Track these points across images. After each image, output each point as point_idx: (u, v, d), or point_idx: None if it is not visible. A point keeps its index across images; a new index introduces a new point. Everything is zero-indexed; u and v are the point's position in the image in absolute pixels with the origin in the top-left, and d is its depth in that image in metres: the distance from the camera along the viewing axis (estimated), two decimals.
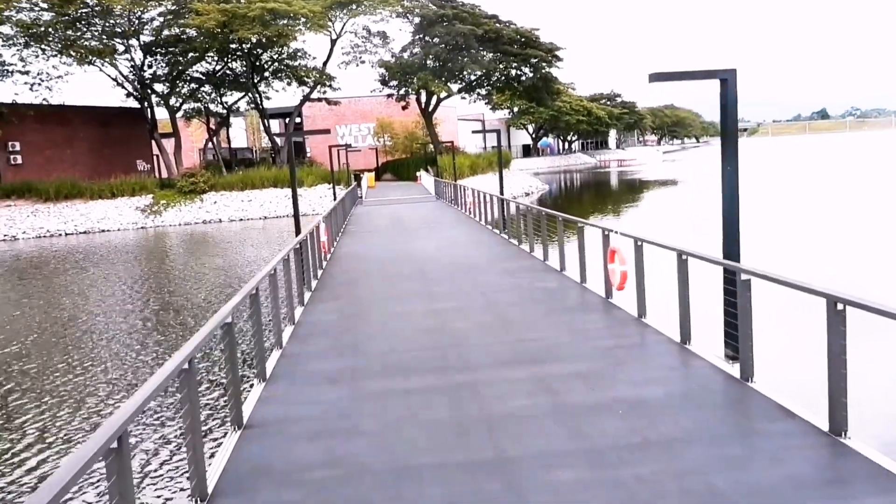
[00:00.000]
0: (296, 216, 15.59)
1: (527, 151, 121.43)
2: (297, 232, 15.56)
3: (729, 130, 7.49)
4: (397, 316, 10.48)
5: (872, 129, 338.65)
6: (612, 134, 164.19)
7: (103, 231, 44.00)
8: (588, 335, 8.90)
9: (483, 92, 64.17)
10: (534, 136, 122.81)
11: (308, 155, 69.60)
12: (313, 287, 13.08)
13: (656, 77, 7.29)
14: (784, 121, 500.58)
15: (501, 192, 22.83)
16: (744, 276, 6.77)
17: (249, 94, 57.83)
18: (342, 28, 55.24)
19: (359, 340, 9.18)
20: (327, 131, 18.27)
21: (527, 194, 54.50)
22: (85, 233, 43.61)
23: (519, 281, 12.74)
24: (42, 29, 46.95)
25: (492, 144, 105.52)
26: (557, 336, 8.87)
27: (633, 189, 60.16)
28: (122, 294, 20.86)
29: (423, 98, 61.18)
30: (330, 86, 57.79)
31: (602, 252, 10.63)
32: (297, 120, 70.37)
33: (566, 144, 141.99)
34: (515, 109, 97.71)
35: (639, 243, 9.28)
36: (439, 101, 61.88)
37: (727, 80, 7.38)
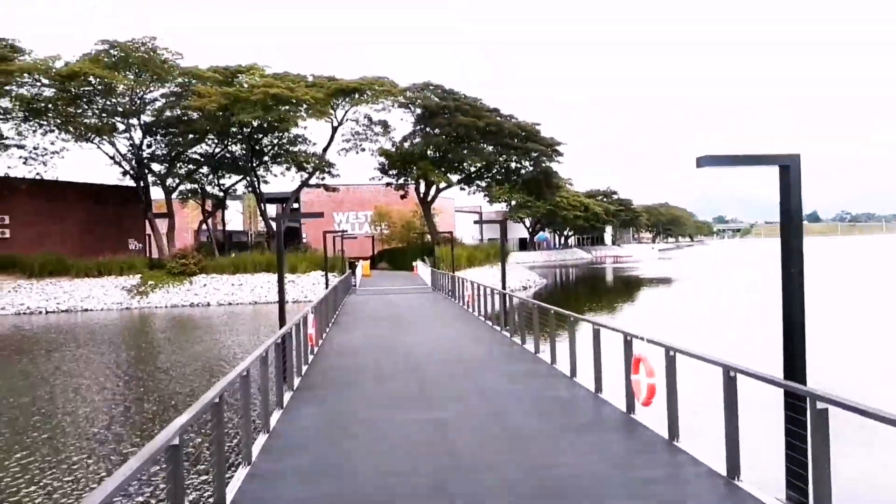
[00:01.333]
0: (281, 306, 14.26)
1: (523, 245, 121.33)
2: (282, 322, 14.21)
3: (793, 224, 6.36)
4: (390, 426, 9.08)
5: (864, 234, 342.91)
6: (608, 230, 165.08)
7: (86, 310, 42.46)
8: (614, 462, 7.51)
9: (483, 184, 64.01)
10: (530, 229, 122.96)
11: (304, 240, 68.82)
12: (296, 385, 11.68)
13: (707, 161, 6.21)
14: (776, 222, 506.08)
15: (504, 286, 21.64)
16: (820, 405, 5.48)
17: (247, 178, 57.44)
18: (343, 116, 55.41)
19: (344, 458, 7.76)
20: (321, 214, 17.21)
21: (524, 288, 53.37)
22: (67, 311, 42.06)
23: (525, 387, 11.38)
24: (42, 105, 46.73)
25: (489, 237, 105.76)
26: (579, 462, 7.48)
27: (631, 286, 59.14)
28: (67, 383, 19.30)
29: (422, 188, 60.94)
30: (329, 172, 57.54)
31: (623, 360, 9.36)
32: (295, 205, 70.01)
33: (562, 239, 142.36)
34: (513, 202, 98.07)
35: (671, 353, 8.02)
36: (438, 191, 61.64)
37: (789, 167, 6.31)
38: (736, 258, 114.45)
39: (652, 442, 8.15)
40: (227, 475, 6.69)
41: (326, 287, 32.81)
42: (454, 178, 61.77)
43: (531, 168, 62.45)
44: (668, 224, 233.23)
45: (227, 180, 58.78)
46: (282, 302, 13.94)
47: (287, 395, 10.89)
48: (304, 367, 13.40)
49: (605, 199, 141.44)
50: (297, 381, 11.97)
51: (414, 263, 55.63)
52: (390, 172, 60.49)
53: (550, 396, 10.72)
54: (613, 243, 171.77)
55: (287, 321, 13.91)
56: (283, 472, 7.38)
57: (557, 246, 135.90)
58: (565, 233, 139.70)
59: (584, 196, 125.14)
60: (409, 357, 14.70)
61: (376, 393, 11.19)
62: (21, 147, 48.17)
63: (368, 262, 57.10)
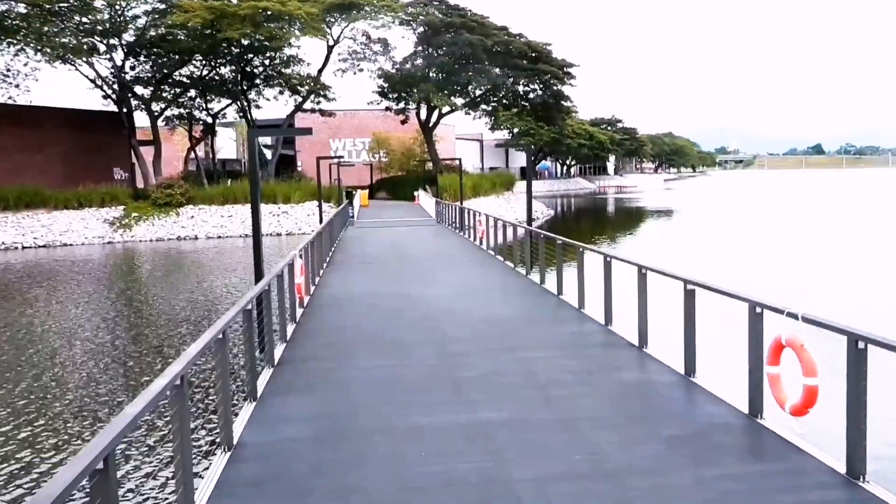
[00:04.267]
0: (257, 257, 11.11)
1: (524, 174, 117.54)
2: (258, 275, 11.17)
3: None
4: (409, 436, 6.20)
5: (869, 167, 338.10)
6: (611, 160, 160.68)
7: (65, 245, 39.47)
8: None
9: (488, 108, 60.02)
10: (533, 158, 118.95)
11: (299, 168, 65.35)
12: (276, 360, 8.77)
13: None
14: (780, 154, 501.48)
15: (529, 222, 18.65)
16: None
17: (238, 102, 53.64)
18: (340, 33, 51.35)
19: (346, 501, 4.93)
20: (309, 131, 14.00)
21: (533, 220, 50.31)
22: (45, 246, 39.05)
23: (587, 364, 8.47)
24: (14, 22, 42.66)
25: (490, 165, 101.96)
26: None
27: (641, 217, 56.09)
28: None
29: (424, 113, 57.14)
30: (325, 96, 53.77)
31: (750, 337, 6.46)
32: None
33: (565, 168, 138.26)
34: (515, 130, 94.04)
35: (860, 345, 5.08)
36: (441, 116, 57.84)
37: None
38: (746, 190, 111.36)
39: (826, 484, 5.39)
40: None
41: (320, 221, 29.79)
42: (459, 101, 57.83)
43: (541, 92, 58.44)
44: (671, 154, 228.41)
45: (217, 104, 55.05)
46: (257, 253, 10.77)
47: (264, 377, 8.01)
48: (291, 329, 10.49)
49: (609, 128, 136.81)
50: (278, 354, 9.06)
51: (415, 193, 52.52)
52: (390, 96, 56.56)
53: (627, 382, 7.85)
54: (616, 173, 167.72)
55: (270, 268, 10.94)
56: None
57: (560, 175, 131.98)
58: (568, 162, 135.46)
59: (589, 124, 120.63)
60: (426, 316, 11.66)
61: (386, 375, 8.23)
62: None
63: (367, 191, 53.88)
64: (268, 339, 8.54)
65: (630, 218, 57.61)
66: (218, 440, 6.13)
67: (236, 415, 6.80)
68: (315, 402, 7.24)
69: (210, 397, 10.02)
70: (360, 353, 9.26)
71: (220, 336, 5.82)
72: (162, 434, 9.01)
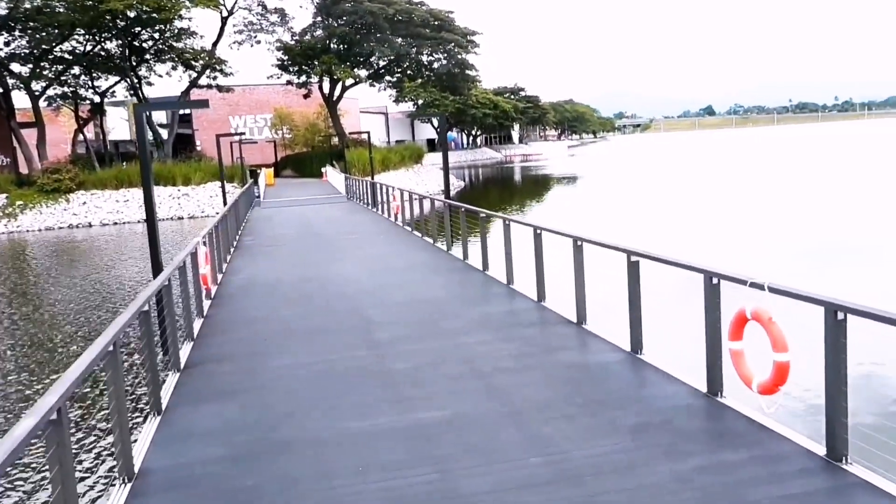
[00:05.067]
0: (153, 247, 9.98)
1: (431, 146, 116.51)
2: (156, 267, 10.06)
3: None
4: (342, 448, 5.43)
5: (756, 126, 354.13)
6: (516, 128, 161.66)
7: None
8: None
9: (393, 79, 58.72)
10: (438, 129, 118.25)
11: (198, 148, 62.48)
12: (182, 364, 7.80)
13: None
14: (675, 117, 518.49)
15: (448, 194, 17.96)
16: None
17: (127, 79, 50.51)
18: (234, 3, 48.99)
19: None
20: (205, 103, 12.81)
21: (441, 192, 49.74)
22: None
23: (527, 347, 7.87)
24: None
25: (396, 139, 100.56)
26: None
27: (548, 184, 56.39)
28: None
29: (327, 86, 55.38)
30: (221, 70, 51.30)
31: (707, 310, 6.01)
32: (187, 111, 63.21)
33: (471, 139, 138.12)
34: (420, 102, 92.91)
35: (840, 316, 4.63)
36: (345, 89, 56.22)
37: None
38: (644, 154, 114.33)
39: (810, 470, 4.97)
40: None
41: (224, 203, 28.31)
42: (362, 73, 56.33)
43: (445, 61, 57.56)
44: (573, 121, 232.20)
45: (104, 82, 51.71)
46: (153, 241, 9.64)
47: (170, 383, 7.08)
48: (198, 326, 9.50)
49: (512, 97, 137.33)
50: (184, 357, 8.08)
51: (322, 169, 51.09)
52: (291, 69, 54.55)
53: (572, 364, 7.32)
54: (521, 142, 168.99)
55: (171, 258, 9.86)
56: None
57: (466, 146, 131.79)
58: (474, 132, 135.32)
59: (493, 93, 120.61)
60: (344, 296, 10.98)
61: (310, 372, 7.42)
62: None
63: (272, 169, 52.03)
64: (171, 340, 7.56)
65: (538, 185, 57.83)
66: (116, 469, 5.21)
67: (159, 412, 5.90)
68: (230, 411, 6.35)
69: (101, 422, 8.96)
70: (278, 348, 8.39)
71: (111, 349, 4.89)
72: (42, 476, 7.57)
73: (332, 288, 11.83)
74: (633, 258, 7.17)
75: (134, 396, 8.77)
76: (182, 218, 40.03)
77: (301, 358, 7.91)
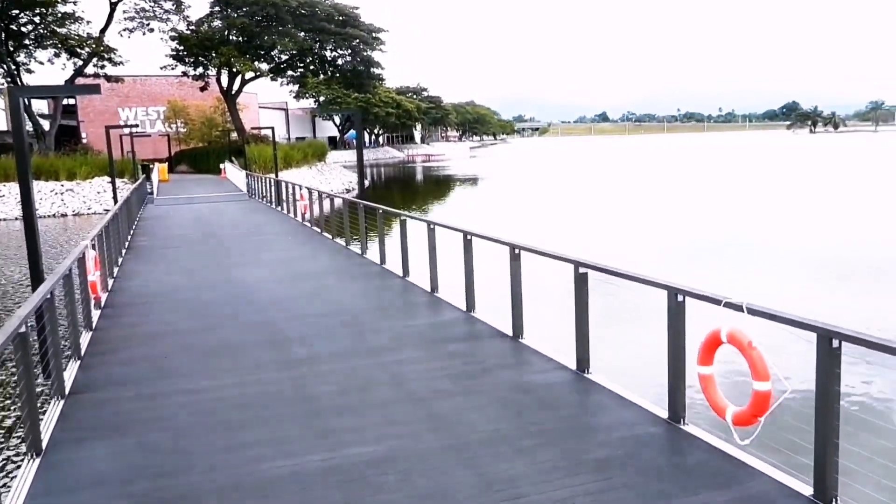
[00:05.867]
0: (31, 251, 8.70)
1: (333, 143, 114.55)
2: (34, 274, 8.82)
3: None
4: (264, 497, 4.60)
5: (648, 133, 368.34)
6: (418, 128, 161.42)
7: None
8: None
9: (296, 74, 56.96)
10: (340, 127, 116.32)
11: (84, 140, 58.72)
12: (67, 390, 6.70)
13: None
14: (571, 122, 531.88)
15: (362, 194, 17.09)
16: None
17: (3, 66, 46.78)
18: None
19: None
20: (96, 89, 11.46)
21: (347, 190, 48.59)
22: None
23: (464, 365, 7.19)
24: None
25: (296, 135, 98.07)
26: None
27: (450, 185, 56.11)
28: None
29: (225, 79, 53.13)
30: (110, 59, 48.32)
31: (670, 331, 5.50)
32: (71, 101, 59.44)
33: (373, 138, 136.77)
34: (321, 99, 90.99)
35: (835, 343, 4.18)
36: (244, 82, 54.11)
37: None
38: (543, 157, 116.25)
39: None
40: None
41: (115, 200, 26.38)
42: (263, 67, 54.32)
43: (350, 58, 56.29)
44: (474, 123, 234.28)
45: None
46: (32, 248, 8.36)
47: (51, 417, 6.00)
48: (86, 341, 8.34)
49: (415, 97, 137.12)
50: (71, 376, 6.99)
51: (221, 166, 48.91)
52: (186, 60, 52.00)
53: (510, 381, 6.71)
54: (423, 142, 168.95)
55: (54, 265, 8.62)
56: None
57: (369, 145, 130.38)
58: (376, 131, 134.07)
59: (395, 93, 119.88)
60: (252, 305, 10.01)
61: (213, 400, 6.47)
62: None
63: (166, 165, 49.40)
64: (54, 361, 6.47)
65: (440, 186, 57.46)
66: None
67: (8, 487, 4.84)
68: (125, 451, 5.36)
69: None
70: (179, 368, 7.38)
71: None
72: None
73: (237, 296, 10.80)
74: (582, 270, 6.62)
75: (3, 432, 7.55)
76: (66, 215, 37.36)
77: (207, 381, 6.95)
